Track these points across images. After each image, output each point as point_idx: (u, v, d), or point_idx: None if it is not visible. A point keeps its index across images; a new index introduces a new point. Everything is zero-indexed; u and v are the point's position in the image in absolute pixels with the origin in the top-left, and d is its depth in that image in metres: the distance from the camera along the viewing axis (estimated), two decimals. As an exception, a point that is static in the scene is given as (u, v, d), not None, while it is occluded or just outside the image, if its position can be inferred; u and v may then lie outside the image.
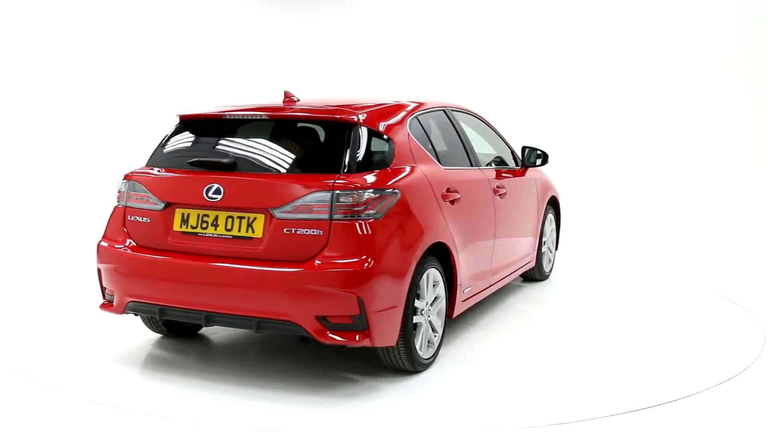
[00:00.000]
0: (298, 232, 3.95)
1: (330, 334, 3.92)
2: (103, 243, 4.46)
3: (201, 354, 4.82)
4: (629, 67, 10.89)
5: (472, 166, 5.31)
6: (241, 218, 4.07)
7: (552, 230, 6.99)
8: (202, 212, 4.16)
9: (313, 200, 3.94)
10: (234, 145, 4.36)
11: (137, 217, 4.36)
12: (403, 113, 4.69)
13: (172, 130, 4.63)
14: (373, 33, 11.61)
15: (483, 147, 6.20)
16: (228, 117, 4.42)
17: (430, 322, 4.50)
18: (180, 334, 5.04)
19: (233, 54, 11.10)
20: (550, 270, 7.02)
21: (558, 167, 7.05)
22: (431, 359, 4.53)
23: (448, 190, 4.70)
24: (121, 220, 4.44)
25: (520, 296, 6.33)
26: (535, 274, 6.74)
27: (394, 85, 10.99)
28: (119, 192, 4.49)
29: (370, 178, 4.07)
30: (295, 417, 3.81)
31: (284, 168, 4.17)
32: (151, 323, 4.92)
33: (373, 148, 4.27)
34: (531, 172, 6.41)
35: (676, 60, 10.64)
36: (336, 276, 3.87)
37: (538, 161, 6.24)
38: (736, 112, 10.30)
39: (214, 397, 4.05)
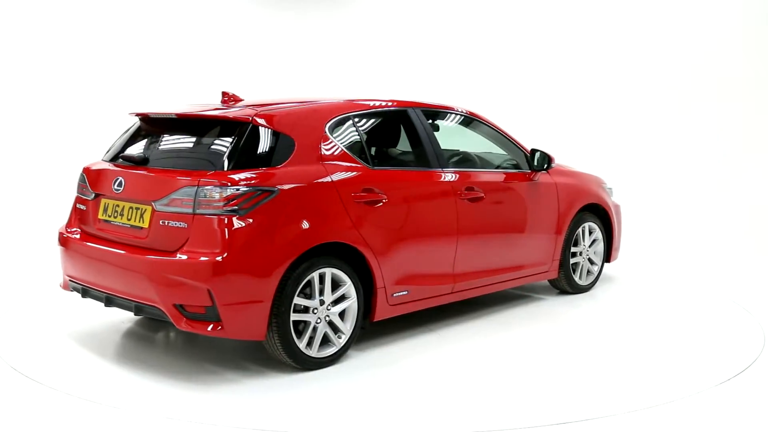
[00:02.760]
0: (170, 224, 4.22)
1: (186, 323, 4.14)
2: (61, 227, 5.04)
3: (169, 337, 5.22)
4: (636, 69, 10.28)
5: (432, 167, 5.16)
6: (136, 209, 4.42)
7: (596, 240, 6.45)
8: (114, 202, 4.57)
9: (182, 195, 4.18)
10: (150, 142, 4.73)
11: (80, 205, 4.90)
12: (321, 114, 4.72)
13: (129, 127, 5.08)
14: (373, 33, 11.33)
15: (490, 151, 5.97)
16: (152, 116, 4.79)
17: (330, 322, 4.51)
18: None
19: (232, 54, 11.12)
20: (592, 283, 6.49)
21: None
22: (329, 359, 4.52)
23: (366, 191, 4.65)
24: (74, 208, 5.00)
25: (526, 307, 5.98)
26: (563, 286, 6.29)
27: (395, 85, 10.62)
28: (78, 183, 5.05)
29: (241, 175, 4.19)
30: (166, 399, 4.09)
31: (180, 164, 4.44)
32: None
33: (261, 147, 4.37)
34: (553, 176, 6.02)
35: (685, 62, 10.05)
36: (188, 267, 4.08)
37: (545, 165, 5.85)
38: (735, 113, 9.72)
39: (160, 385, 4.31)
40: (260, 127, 4.40)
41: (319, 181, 4.47)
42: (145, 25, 10.70)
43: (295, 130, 4.52)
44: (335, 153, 4.63)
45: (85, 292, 4.69)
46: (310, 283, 4.40)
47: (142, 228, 4.35)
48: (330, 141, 4.64)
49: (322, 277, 4.44)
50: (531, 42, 10.73)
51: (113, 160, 4.81)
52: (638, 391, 4.19)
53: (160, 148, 4.66)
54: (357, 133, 4.86)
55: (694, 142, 9.97)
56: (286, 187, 4.29)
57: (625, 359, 4.77)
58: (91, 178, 4.82)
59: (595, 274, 6.51)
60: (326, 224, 4.44)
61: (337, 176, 4.55)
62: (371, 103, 5.12)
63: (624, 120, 10.40)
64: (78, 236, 4.80)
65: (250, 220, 4.14)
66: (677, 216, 9.48)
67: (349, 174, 4.62)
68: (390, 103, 5.22)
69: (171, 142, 4.65)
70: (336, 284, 4.53)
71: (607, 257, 6.63)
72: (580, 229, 6.28)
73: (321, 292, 4.45)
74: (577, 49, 10.57)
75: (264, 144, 4.40)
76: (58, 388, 4.18)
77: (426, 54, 11.05)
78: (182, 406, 3.96)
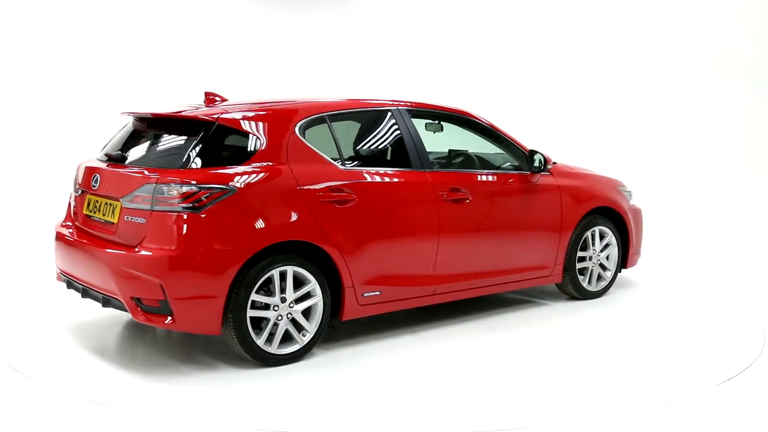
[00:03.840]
0: (132, 220, 4.38)
1: (143, 315, 4.28)
2: (58, 222, 5.31)
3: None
4: (658, 70, 9.78)
5: (413, 168, 5.12)
6: (109, 205, 4.60)
7: (609, 245, 6.23)
8: (95, 198, 4.78)
9: (143, 192, 4.33)
10: (131, 141, 4.91)
11: (72, 201, 5.14)
12: (292, 114, 4.76)
13: (122, 126, 5.29)
14: (373, 33, 11.05)
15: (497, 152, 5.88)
16: (134, 115, 4.96)
17: (293, 319, 4.56)
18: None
19: (232, 54, 10.98)
20: (604, 289, 6.27)
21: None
22: (290, 356, 4.57)
23: (334, 191, 4.67)
24: (68, 204, 5.26)
25: (523, 311, 5.85)
26: (570, 291, 6.11)
27: (395, 85, 10.34)
28: (73, 179, 5.30)
29: (199, 173, 4.30)
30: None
31: (149, 162, 4.60)
32: None
33: (225, 146, 4.49)
34: (556, 177, 5.86)
35: (708, 62, 9.51)
36: (141, 261, 4.22)
37: (543, 166, 5.70)
38: (735, 112, 9.32)
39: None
40: (225, 127, 4.50)
41: (282, 180, 4.52)
42: (147, 26, 10.77)
43: (262, 130, 4.59)
44: (303, 153, 4.67)
45: (69, 284, 4.92)
46: (272, 281, 4.46)
47: (113, 223, 4.53)
48: (299, 141, 4.68)
49: (285, 275, 4.49)
50: (539, 42, 10.35)
51: (105, 158, 5.02)
52: (639, 391, 4.18)
53: (137, 146, 4.84)
54: (330, 133, 4.88)
55: (699, 144, 9.57)
56: (244, 185, 4.37)
57: (625, 359, 4.75)
58: (80, 174, 5.06)
59: (608, 280, 6.29)
60: (286, 223, 4.48)
61: (302, 176, 4.59)
62: (352, 103, 5.13)
63: (640, 122, 10.01)
64: (69, 230, 5.04)
65: (207, 218, 4.24)
66: (689, 219, 9.23)
67: (317, 174, 4.65)
68: (371, 103, 5.21)
69: (147, 140, 4.82)
70: (300, 282, 4.57)
71: (623, 263, 6.39)
72: (589, 233, 6.08)
73: (284, 290, 4.50)
74: (594, 48, 10.16)
75: (227, 143, 4.50)
76: (55, 386, 4.28)
77: (426, 54, 10.89)
78: (178, 404, 4.04)
